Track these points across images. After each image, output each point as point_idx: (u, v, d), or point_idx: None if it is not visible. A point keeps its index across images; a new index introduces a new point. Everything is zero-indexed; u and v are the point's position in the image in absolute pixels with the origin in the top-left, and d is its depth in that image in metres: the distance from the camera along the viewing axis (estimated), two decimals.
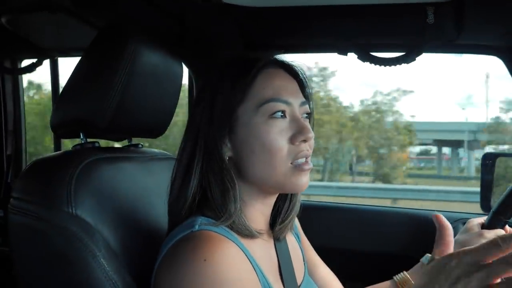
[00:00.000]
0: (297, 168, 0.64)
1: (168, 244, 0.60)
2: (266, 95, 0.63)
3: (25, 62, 1.77)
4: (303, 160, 0.65)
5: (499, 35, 1.07)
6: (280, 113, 0.63)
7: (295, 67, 0.69)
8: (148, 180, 0.82)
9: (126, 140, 0.95)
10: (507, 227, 0.90)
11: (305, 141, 0.64)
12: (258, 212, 0.69)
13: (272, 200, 0.71)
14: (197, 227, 0.60)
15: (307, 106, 0.68)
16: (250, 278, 0.59)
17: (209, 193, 0.63)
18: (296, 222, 0.88)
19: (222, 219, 0.61)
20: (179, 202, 0.65)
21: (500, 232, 0.88)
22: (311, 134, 0.64)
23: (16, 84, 1.83)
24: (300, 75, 0.69)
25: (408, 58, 1.00)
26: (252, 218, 0.67)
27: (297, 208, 0.75)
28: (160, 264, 0.60)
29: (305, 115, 0.68)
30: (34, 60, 1.64)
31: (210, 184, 0.63)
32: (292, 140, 0.64)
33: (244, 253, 0.61)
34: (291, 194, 0.74)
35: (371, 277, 0.94)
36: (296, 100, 0.66)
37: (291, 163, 0.64)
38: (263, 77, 0.65)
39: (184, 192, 0.64)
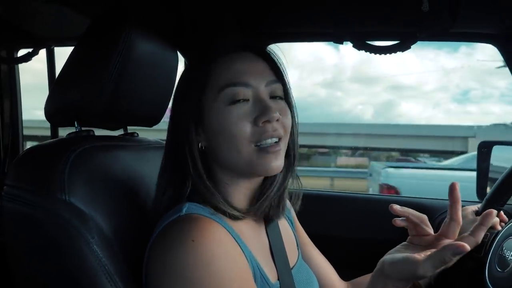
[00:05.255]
0: (263, 150, 0.63)
1: (157, 230, 0.62)
2: (224, 81, 0.64)
3: (22, 52, 1.76)
4: (269, 141, 0.64)
5: (494, 23, 1.06)
6: (240, 100, 0.63)
7: (264, 48, 0.69)
8: (143, 168, 0.82)
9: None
10: (501, 213, 0.91)
11: (268, 121, 0.63)
12: (241, 194, 0.70)
13: (255, 182, 0.70)
14: (184, 211, 0.62)
15: (276, 85, 0.67)
16: (238, 258, 0.60)
17: (191, 181, 0.66)
18: (291, 208, 0.88)
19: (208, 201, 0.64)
20: (175, 192, 0.66)
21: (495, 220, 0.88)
22: (275, 115, 0.62)
23: (13, 74, 1.82)
24: (270, 55, 0.69)
25: (403, 46, 0.99)
26: (235, 199, 0.69)
27: (280, 192, 0.71)
28: (149, 250, 0.61)
29: (277, 96, 0.67)
30: (30, 50, 1.64)
31: (187, 174, 0.66)
32: (256, 121, 0.63)
33: (232, 235, 0.62)
34: (273, 178, 0.71)
35: (370, 265, 0.95)
36: (260, 81, 0.65)
37: (255, 145, 0.63)
38: (222, 62, 0.65)
39: (173, 182, 0.67)
